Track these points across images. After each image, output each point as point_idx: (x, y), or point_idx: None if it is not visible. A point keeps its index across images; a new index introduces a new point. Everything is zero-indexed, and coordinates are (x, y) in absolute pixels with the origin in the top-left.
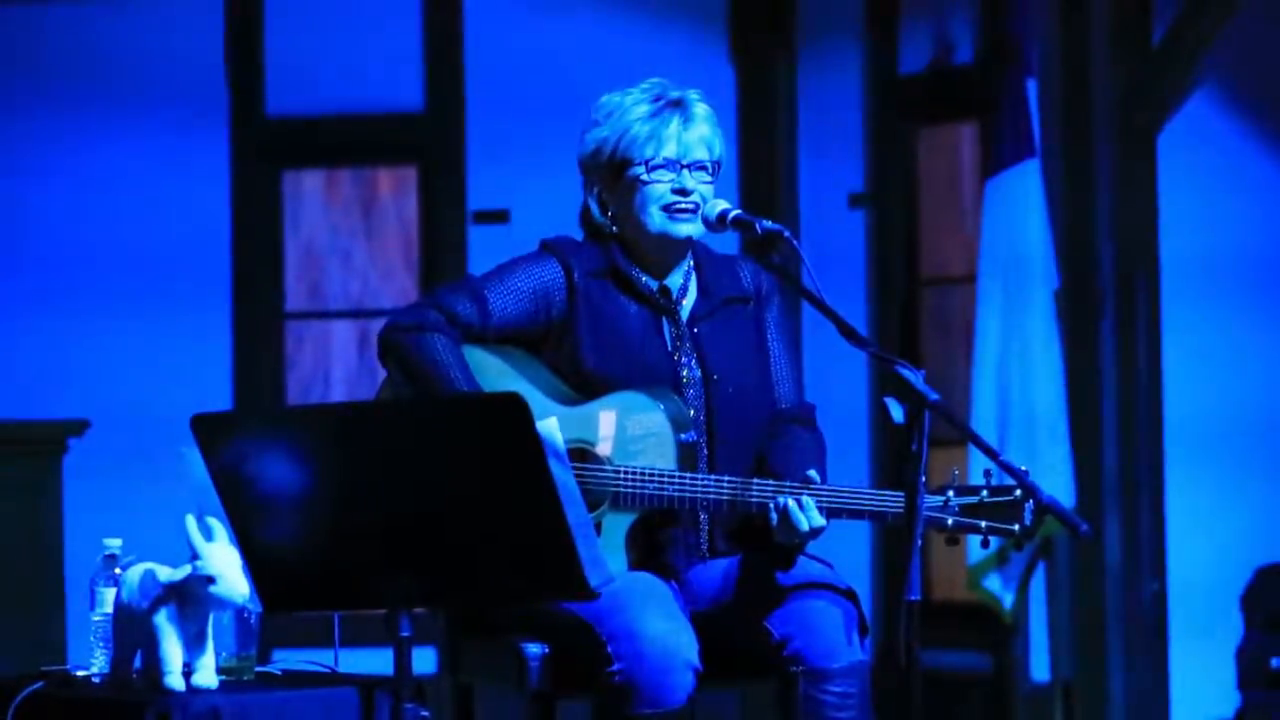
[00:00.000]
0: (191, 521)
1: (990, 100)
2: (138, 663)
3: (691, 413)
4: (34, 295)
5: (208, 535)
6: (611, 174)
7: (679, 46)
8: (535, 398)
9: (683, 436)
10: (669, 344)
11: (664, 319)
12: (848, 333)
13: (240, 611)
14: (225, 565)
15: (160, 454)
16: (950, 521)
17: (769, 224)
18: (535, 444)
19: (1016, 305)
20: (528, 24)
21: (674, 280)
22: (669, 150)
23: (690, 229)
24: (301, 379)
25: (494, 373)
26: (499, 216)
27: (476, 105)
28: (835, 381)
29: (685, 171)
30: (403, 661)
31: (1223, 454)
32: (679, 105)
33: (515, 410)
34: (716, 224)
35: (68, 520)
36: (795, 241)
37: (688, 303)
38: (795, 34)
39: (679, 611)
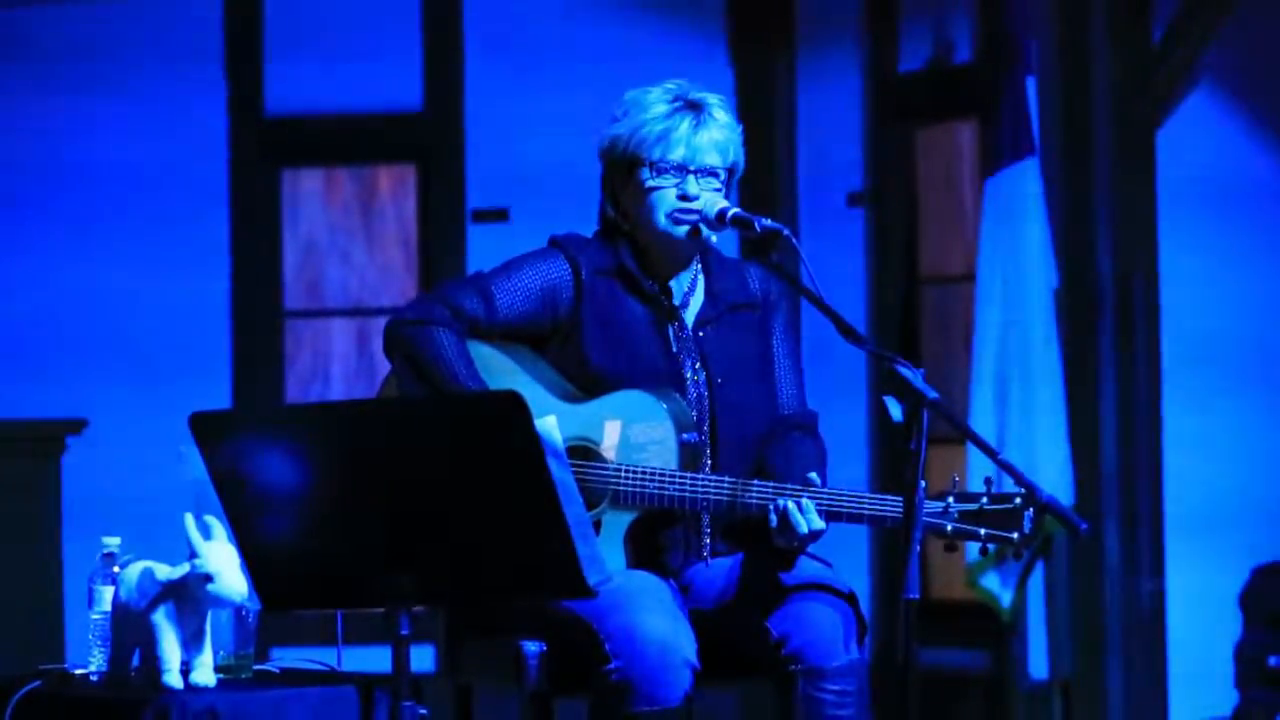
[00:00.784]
0: (190, 520)
1: (989, 99)
2: (136, 661)
3: (694, 415)
4: (32, 291)
5: (206, 533)
6: (623, 170)
7: (678, 45)
8: (539, 394)
9: (685, 437)
10: (672, 345)
11: (668, 321)
12: (847, 331)
13: (238, 610)
14: (223, 563)
15: (159, 453)
16: (949, 528)
17: (768, 222)
18: (533, 442)
19: (1016, 304)
20: (527, 24)
21: (679, 282)
22: (677, 154)
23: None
24: (300, 377)
25: (498, 368)
26: (498, 215)
27: (476, 105)
28: (835, 382)
29: (692, 177)
30: (401, 660)
31: (1222, 454)
32: (695, 108)
33: (513, 408)
34: (715, 222)
35: (66, 519)
36: (794, 240)
37: (694, 306)
38: (794, 33)
39: (677, 610)
